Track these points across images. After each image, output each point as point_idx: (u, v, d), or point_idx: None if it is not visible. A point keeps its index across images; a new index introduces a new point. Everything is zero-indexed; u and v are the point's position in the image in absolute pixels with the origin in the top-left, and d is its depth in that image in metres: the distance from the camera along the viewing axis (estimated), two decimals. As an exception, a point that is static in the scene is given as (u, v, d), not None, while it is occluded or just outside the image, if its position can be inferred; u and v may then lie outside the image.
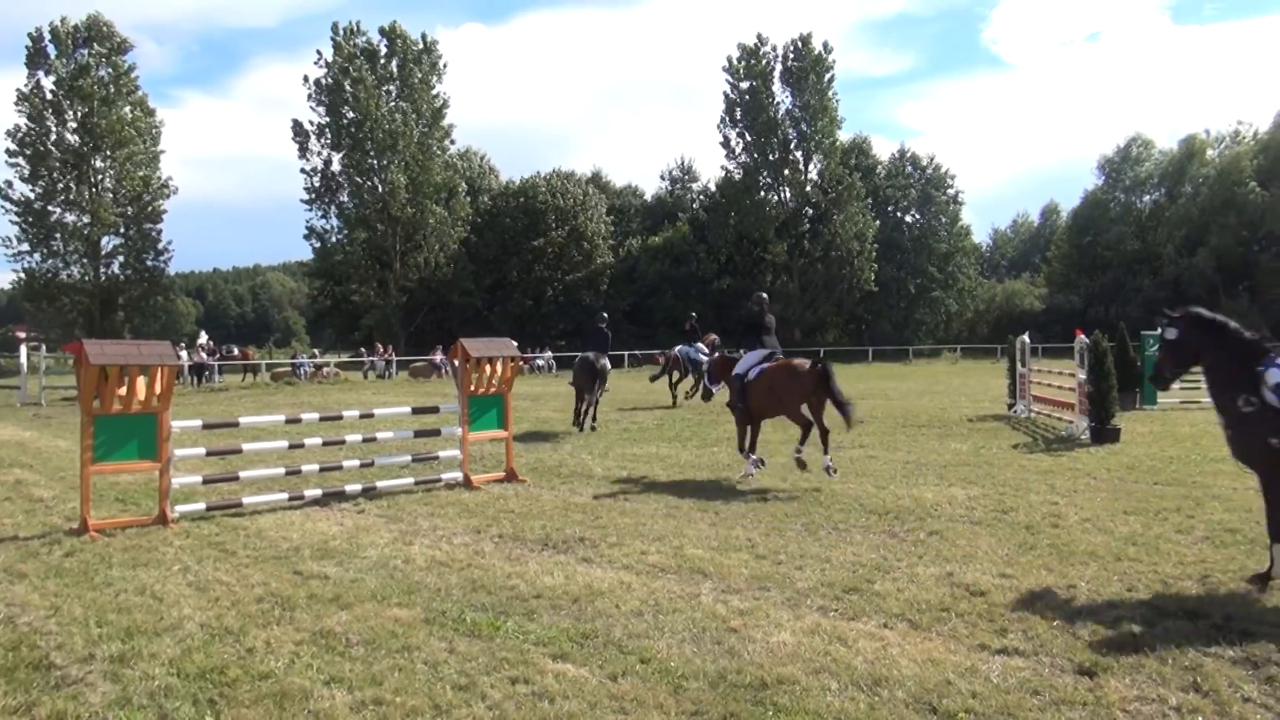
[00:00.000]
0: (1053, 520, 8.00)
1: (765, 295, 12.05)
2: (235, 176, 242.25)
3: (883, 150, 72.46)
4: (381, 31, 55.56)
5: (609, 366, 17.16)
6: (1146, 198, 71.93)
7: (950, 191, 69.60)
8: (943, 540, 7.31)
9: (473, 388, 10.66)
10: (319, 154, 55.26)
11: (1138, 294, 64.71)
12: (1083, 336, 14.43)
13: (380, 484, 10.00)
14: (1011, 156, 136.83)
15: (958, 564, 6.55)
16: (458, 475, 10.51)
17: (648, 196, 75.11)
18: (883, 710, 4.10)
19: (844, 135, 64.55)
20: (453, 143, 59.22)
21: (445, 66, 57.17)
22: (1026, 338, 18.85)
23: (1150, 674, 4.45)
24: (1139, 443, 13.18)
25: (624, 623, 5.34)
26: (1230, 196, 63.67)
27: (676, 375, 21.85)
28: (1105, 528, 7.68)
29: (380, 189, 54.53)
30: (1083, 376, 13.87)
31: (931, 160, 69.71)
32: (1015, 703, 4.14)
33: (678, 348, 22.11)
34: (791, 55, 60.72)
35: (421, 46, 56.35)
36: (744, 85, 60.80)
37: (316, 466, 9.98)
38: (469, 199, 59.20)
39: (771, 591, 5.95)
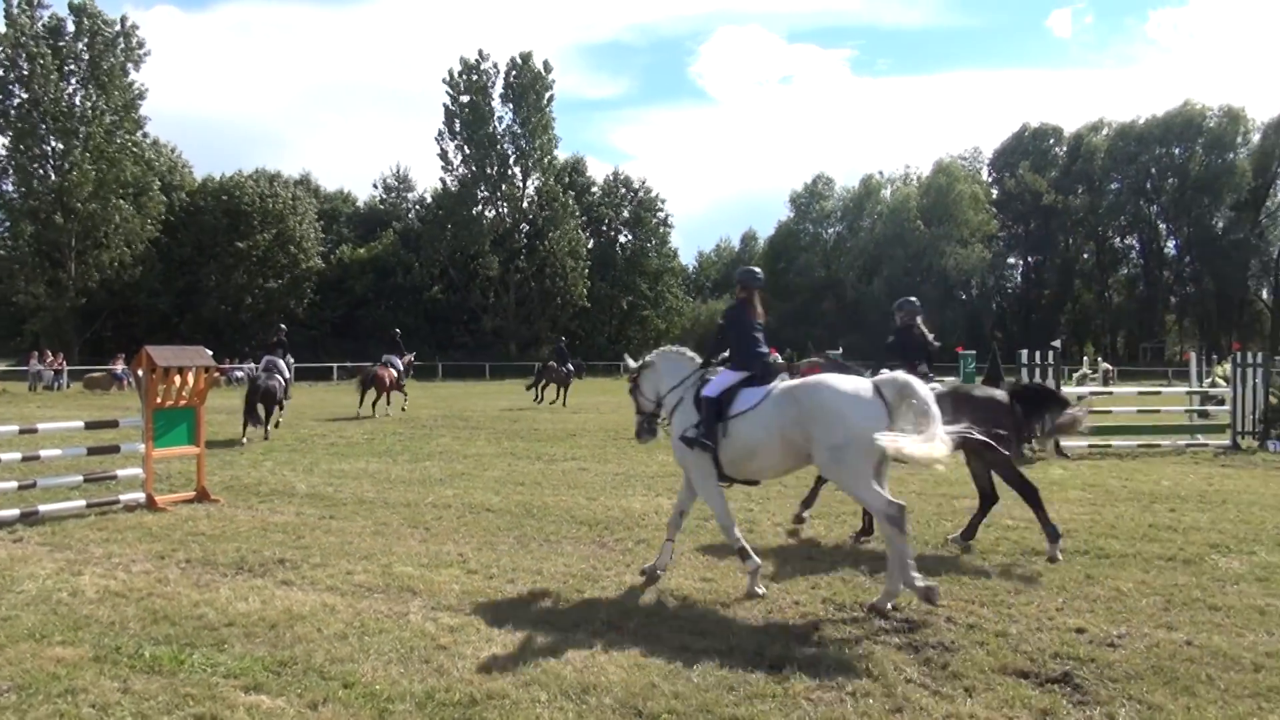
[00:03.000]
0: (749, 526, 8.52)
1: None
2: None
3: (597, 171, 74.83)
4: (70, 8, 49.52)
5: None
6: (831, 230, 79.34)
7: (660, 214, 72.94)
8: (650, 549, 7.57)
9: (160, 400, 9.76)
10: (-22, 137, 48.35)
11: (823, 317, 70.96)
12: (778, 355, 15.58)
13: (43, 508, 8.87)
14: (716, 184, 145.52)
15: (662, 571, 6.81)
16: (140, 496, 9.56)
17: (360, 204, 72.65)
18: (590, 717, 4.17)
19: (561, 154, 65.97)
20: (145, 135, 54.03)
21: (147, 55, 51.78)
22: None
23: (830, 664, 4.85)
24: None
25: (326, 647, 5.07)
26: (900, 232, 71.60)
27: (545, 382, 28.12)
28: (794, 532, 8.30)
29: (54, 179, 48.62)
30: (776, 392, 14.93)
31: (643, 183, 72.78)
32: (713, 700, 4.35)
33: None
34: (513, 72, 61.17)
35: (118, 30, 50.70)
36: (464, 99, 60.48)
37: (-38, 490, 8.70)
38: (162, 196, 54.09)
39: (483, 607, 5.90)
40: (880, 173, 79.60)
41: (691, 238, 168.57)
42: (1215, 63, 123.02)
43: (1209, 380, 20.74)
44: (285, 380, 17.32)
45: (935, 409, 5.64)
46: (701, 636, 5.29)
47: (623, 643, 5.19)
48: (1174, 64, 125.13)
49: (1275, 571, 6.79)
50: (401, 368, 22.67)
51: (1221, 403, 15.85)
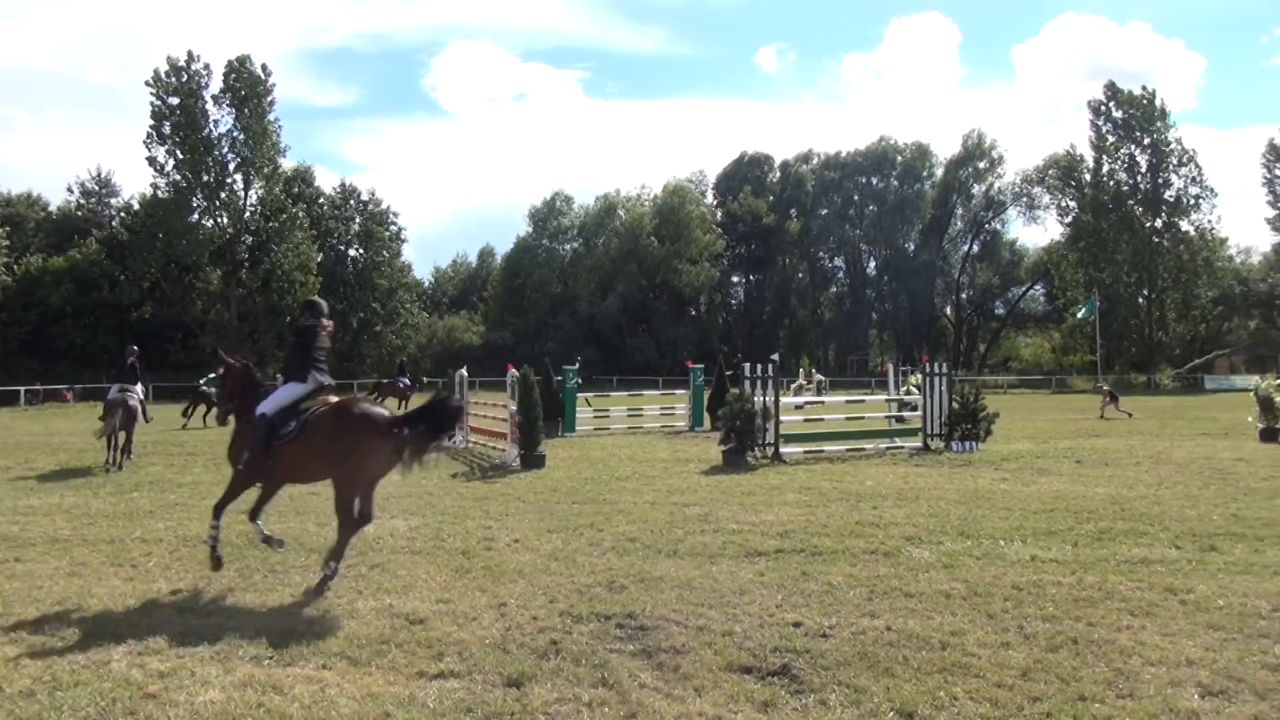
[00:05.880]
0: (486, 544, 8.48)
1: (322, 303, 8.09)
2: None
3: (327, 182, 71.90)
4: None
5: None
6: (568, 246, 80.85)
7: (393, 228, 71.25)
8: (384, 573, 7.35)
9: None
10: None
11: (559, 331, 72.02)
12: (513, 371, 15.59)
13: None
14: (453, 199, 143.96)
15: (397, 595, 6.63)
16: None
17: (53, 209, 65.41)
18: (319, 755, 3.98)
19: (287, 163, 62.81)
20: None
21: None
22: (465, 371, 19.84)
23: (567, 676, 4.91)
24: (561, 466, 14.56)
25: (9, 708, 4.51)
26: (634, 249, 74.19)
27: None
28: (532, 546, 8.34)
29: None
30: (513, 408, 14.98)
31: (373, 194, 70.84)
32: (450, 724, 4.28)
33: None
34: (231, 75, 57.48)
35: None
36: (174, 100, 56.05)
37: None
38: None
39: (199, 647, 5.47)
40: (618, 191, 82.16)
41: (428, 252, 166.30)
42: (902, 102, 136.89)
43: (904, 389, 22.94)
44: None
45: None
46: (438, 659, 5.19)
47: (354, 673, 5.00)
48: (868, 102, 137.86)
49: (958, 558, 7.61)
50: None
51: (915, 409, 17.56)
